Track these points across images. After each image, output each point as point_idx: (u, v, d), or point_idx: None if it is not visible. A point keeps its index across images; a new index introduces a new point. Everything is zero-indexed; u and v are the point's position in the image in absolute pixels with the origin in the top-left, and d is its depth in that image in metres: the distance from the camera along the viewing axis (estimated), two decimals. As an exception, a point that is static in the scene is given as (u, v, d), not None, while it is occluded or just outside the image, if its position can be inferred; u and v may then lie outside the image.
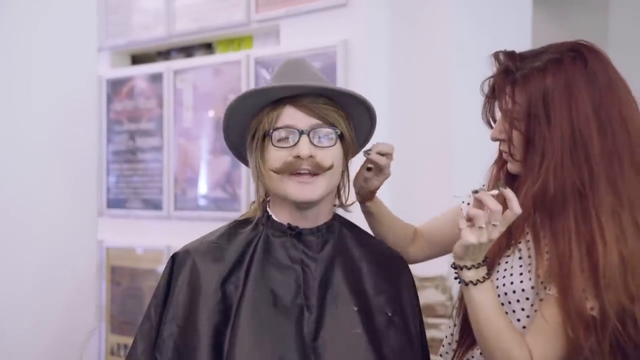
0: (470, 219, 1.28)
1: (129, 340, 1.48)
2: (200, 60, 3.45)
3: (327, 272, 1.42)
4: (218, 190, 3.29)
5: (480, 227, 1.26)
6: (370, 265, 1.46)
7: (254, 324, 1.35)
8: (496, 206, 1.26)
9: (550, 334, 1.30)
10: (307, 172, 1.38)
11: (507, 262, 1.40)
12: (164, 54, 3.75)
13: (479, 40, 2.78)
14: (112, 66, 3.78)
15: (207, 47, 3.60)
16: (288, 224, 1.43)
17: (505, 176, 1.46)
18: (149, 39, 3.61)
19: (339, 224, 1.49)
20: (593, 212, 1.28)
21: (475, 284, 1.31)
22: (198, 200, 3.36)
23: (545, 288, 1.33)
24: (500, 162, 1.47)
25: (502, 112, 1.38)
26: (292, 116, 1.38)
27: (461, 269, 1.32)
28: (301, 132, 1.37)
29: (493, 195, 1.27)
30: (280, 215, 1.45)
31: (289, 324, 1.37)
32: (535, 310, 1.35)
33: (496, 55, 1.41)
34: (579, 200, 1.30)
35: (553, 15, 3.63)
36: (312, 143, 1.37)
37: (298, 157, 1.36)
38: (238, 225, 1.48)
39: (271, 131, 1.39)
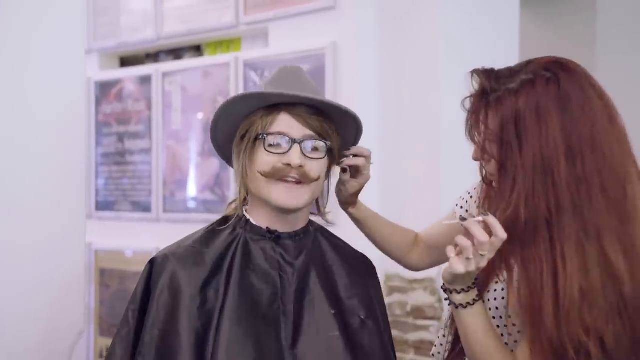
0: (457, 245, 1.27)
1: (118, 343, 1.52)
2: (189, 62, 3.45)
3: (304, 277, 1.44)
4: (207, 193, 3.29)
5: (468, 258, 1.25)
6: (343, 269, 1.48)
7: (236, 331, 1.36)
8: (484, 237, 1.24)
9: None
10: (293, 180, 1.39)
11: (498, 278, 1.39)
12: (153, 56, 3.74)
13: (468, 42, 2.79)
14: (100, 68, 3.77)
15: (196, 50, 3.60)
16: (267, 227, 1.45)
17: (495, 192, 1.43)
18: (137, 41, 3.60)
19: (313, 229, 1.50)
20: (557, 242, 1.26)
21: (465, 307, 1.31)
22: (187, 202, 3.36)
23: (515, 325, 1.33)
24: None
25: (478, 135, 1.36)
26: (287, 124, 1.40)
27: (451, 292, 1.32)
28: (294, 141, 1.39)
29: (479, 222, 1.26)
30: (259, 219, 1.46)
31: (268, 330, 1.37)
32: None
33: (473, 73, 1.39)
34: (548, 229, 1.27)
35: (541, 15, 3.65)
36: (303, 153, 1.39)
37: (288, 165, 1.38)
38: (215, 228, 1.49)
39: (265, 135, 1.40)
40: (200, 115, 3.33)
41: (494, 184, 1.39)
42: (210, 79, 3.27)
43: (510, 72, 1.35)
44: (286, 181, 1.39)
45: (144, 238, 3.44)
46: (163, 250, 1.46)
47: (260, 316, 1.38)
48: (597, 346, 1.24)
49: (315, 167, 1.41)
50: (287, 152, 1.39)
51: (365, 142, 2.97)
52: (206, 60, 3.39)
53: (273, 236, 1.44)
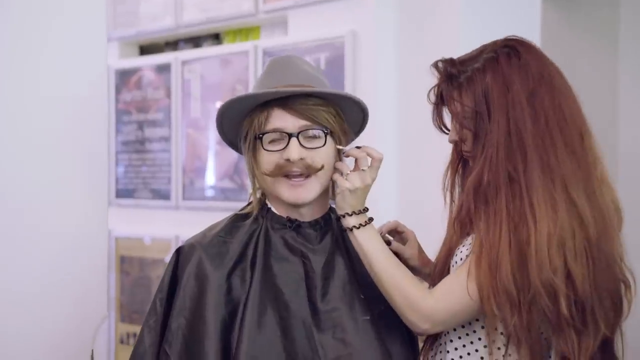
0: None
1: (138, 329, 1.51)
2: (207, 50, 3.46)
3: (328, 263, 1.45)
4: (226, 181, 3.30)
5: (347, 174, 1.42)
6: None
7: (258, 318, 1.37)
8: (360, 153, 1.44)
9: (461, 289, 1.39)
10: (298, 173, 1.40)
11: (460, 245, 1.51)
12: (172, 45, 3.75)
13: (488, 32, 2.75)
14: (120, 57, 3.78)
15: (215, 38, 3.60)
16: (288, 217, 1.46)
17: (461, 178, 1.57)
18: (157, 29, 3.61)
19: (335, 215, 1.51)
20: (525, 195, 1.38)
21: (359, 228, 1.43)
22: (206, 190, 3.37)
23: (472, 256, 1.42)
24: (455, 165, 1.58)
25: (453, 115, 1.49)
26: (280, 118, 1.40)
27: (344, 217, 1.44)
28: (290, 135, 1.39)
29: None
30: (279, 208, 1.48)
31: (294, 316, 1.39)
32: None
33: (436, 64, 1.53)
34: (513, 187, 1.39)
35: (563, 8, 3.60)
36: (301, 145, 1.40)
37: (288, 160, 1.39)
38: (238, 218, 1.51)
39: (261, 135, 1.41)
40: (219, 104, 3.32)
41: (470, 162, 1.51)
42: (229, 67, 3.27)
43: (472, 56, 1.50)
44: (291, 177, 1.40)
45: (163, 226, 3.46)
46: (189, 240, 1.48)
47: (285, 303, 1.40)
48: (565, 283, 1.35)
49: (318, 156, 1.41)
50: (286, 147, 1.39)
51: (383, 133, 2.95)
52: (225, 48, 3.39)
53: (294, 225, 1.45)
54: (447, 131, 1.58)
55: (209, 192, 3.36)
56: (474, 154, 1.46)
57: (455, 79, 1.48)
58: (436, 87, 1.55)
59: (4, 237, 1.71)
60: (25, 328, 1.74)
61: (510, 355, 1.40)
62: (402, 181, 2.77)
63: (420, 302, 1.40)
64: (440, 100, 1.55)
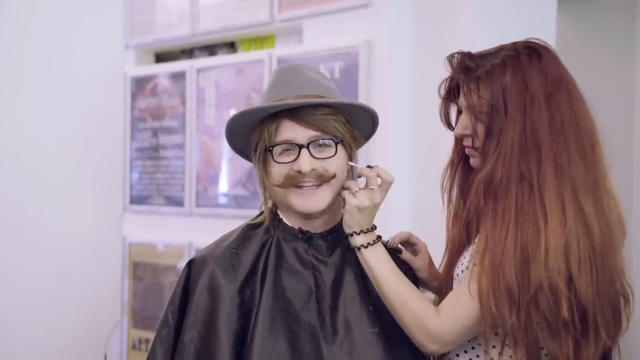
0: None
1: (151, 335, 1.52)
2: (223, 58, 3.48)
3: (338, 275, 1.45)
4: (239, 188, 3.32)
5: (356, 191, 1.41)
6: None
7: (269, 331, 1.38)
8: (370, 172, 1.42)
9: (467, 303, 1.37)
10: (310, 183, 1.40)
11: (465, 252, 1.49)
12: (188, 53, 3.78)
13: (504, 40, 2.76)
14: (136, 64, 3.82)
15: (230, 46, 3.63)
16: (299, 228, 1.46)
17: (460, 178, 1.55)
18: (173, 37, 3.64)
19: None
20: (537, 194, 1.36)
21: (367, 247, 1.42)
22: (219, 197, 3.39)
23: (474, 264, 1.40)
24: (455, 165, 1.56)
25: (468, 106, 1.46)
26: (290, 130, 1.40)
27: (352, 235, 1.43)
28: (301, 147, 1.39)
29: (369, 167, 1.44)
30: (290, 219, 1.47)
31: (303, 329, 1.39)
32: None
33: (451, 57, 1.51)
34: (523, 185, 1.38)
35: (578, 17, 3.59)
36: (312, 155, 1.39)
37: (299, 171, 1.38)
38: (250, 228, 1.50)
39: (271, 147, 1.41)
40: (233, 112, 3.35)
41: (471, 160, 1.49)
42: (243, 75, 3.29)
43: (490, 52, 1.49)
44: (302, 186, 1.40)
45: (177, 232, 3.48)
46: (202, 252, 1.47)
47: (295, 315, 1.39)
48: (567, 287, 1.33)
49: (329, 165, 1.40)
50: (296, 158, 1.39)
51: (398, 142, 2.95)
52: (240, 56, 3.41)
53: (305, 237, 1.45)
54: (452, 128, 1.56)
55: (222, 200, 3.38)
56: (486, 150, 1.43)
57: (472, 71, 1.46)
58: (449, 80, 1.52)
59: (19, 243, 1.73)
60: (40, 333, 1.76)
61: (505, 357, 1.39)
62: (416, 190, 2.77)
63: (429, 323, 1.38)
64: (450, 95, 1.53)
